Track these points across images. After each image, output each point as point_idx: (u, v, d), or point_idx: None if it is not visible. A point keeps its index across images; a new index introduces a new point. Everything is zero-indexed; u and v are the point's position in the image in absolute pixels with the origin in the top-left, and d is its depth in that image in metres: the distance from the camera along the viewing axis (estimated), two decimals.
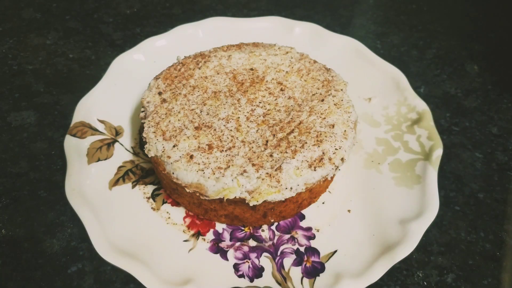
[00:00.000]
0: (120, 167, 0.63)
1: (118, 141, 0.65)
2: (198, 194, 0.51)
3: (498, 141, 0.73)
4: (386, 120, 0.70)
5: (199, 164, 0.51)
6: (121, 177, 0.61)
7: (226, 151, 0.52)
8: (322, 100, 0.59)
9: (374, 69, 0.76)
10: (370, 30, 0.98)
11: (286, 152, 0.51)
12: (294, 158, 0.51)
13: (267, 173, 0.50)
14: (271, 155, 0.51)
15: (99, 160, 0.62)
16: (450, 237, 0.58)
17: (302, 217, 0.58)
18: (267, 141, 0.53)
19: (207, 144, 0.53)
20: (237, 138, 0.54)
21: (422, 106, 0.69)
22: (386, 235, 0.54)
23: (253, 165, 0.50)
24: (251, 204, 0.49)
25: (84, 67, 0.83)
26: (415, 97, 0.70)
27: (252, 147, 0.53)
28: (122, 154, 0.64)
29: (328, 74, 0.64)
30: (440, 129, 0.73)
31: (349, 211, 0.59)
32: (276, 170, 0.50)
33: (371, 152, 0.66)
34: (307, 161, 0.51)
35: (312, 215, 0.59)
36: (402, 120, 0.69)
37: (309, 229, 0.57)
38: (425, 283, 0.53)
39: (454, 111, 0.78)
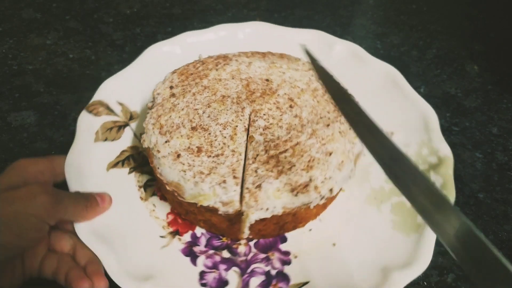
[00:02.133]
0: (123, 151, 0.63)
1: (129, 125, 0.66)
2: (176, 194, 0.51)
3: (498, 141, 0.73)
4: None
5: (183, 164, 0.50)
6: (121, 161, 0.61)
7: (213, 157, 0.51)
8: (328, 125, 0.55)
9: (407, 103, 0.69)
10: (370, 30, 0.98)
11: (272, 171, 0.50)
12: (277, 179, 0.49)
13: (247, 188, 0.48)
14: (255, 171, 0.50)
15: (106, 140, 0.62)
16: None
17: (284, 239, 0.56)
18: (257, 155, 0.52)
19: (197, 146, 0.52)
20: (228, 146, 0.52)
21: (445, 151, 0.62)
22: (363, 279, 0.50)
23: (234, 177, 0.49)
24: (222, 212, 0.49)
25: (84, 67, 0.83)
26: (441, 140, 0.63)
27: (240, 158, 0.51)
28: (129, 138, 0.65)
29: None
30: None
31: (334, 244, 0.55)
32: (256, 187, 0.48)
33: (377, 189, 0.61)
34: (291, 185, 0.49)
35: (294, 240, 0.56)
36: (420, 162, 0.62)
37: (287, 253, 0.54)
38: (425, 283, 0.53)
39: (454, 111, 0.78)
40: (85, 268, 0.48)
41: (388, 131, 0.66)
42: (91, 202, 0.51)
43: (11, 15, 0.95)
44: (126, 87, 0.69)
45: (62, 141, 0.66)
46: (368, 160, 0.63)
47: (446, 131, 0.73)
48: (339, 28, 0.97)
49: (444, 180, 0.57)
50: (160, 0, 1.03)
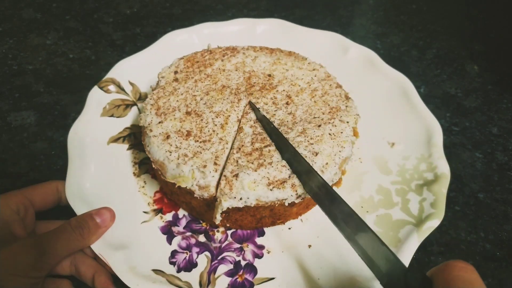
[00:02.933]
0: (126, 128, 0.66)
1: (137, 105, 0.69)
2: (160, 173, 0.53)
3: (498, 141, 0.73)
4: (399, 171, 0.63)
5: (171, 145, 0.52)
6: (123, 136, 0.64)
7: (200, 142, 0.53)
8: (319, 126, 0.55)
9: (413, 115, 0.68)
10: (370, 30, 0.98)
11: (252, 163, 0.50)
12: (256, 171, 0.49)
13: (225, 176, 0.50)
14: (237, 160, 0.51)
15: (112, 115, 0.66)
16: (450, 237, 0.58)
17: (262, 233, 0.56)
18: (242, 146, 0.53)
19: (187, 130, 0.54)
20: (217, 134, 0.54)
21: (443, 169, 0.60)
22: (328, 285, 0.50)
23: (215, 164, 0.51)
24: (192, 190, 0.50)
25: (84, 67, 0.83)
26: (441, 157, 0.61)
27: (226, 147, 0.53)
28: (134, 117, 0.67)
29: (343, 102, 0.60)
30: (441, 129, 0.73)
31: (309, 246, 0.55)
32: (233, 176, 0.49)
33: (366, 198, 0.60)
34: (268, 179, 0.49)
35: (272, 235, 0.56)
36: (416, 176, 0.61)
37: (261, 247, 0.55)
38: None
39: (454, 111, 0.78)
40: (94, 281, 0.48)
41: (390, 141, 0.66)
42: (88, 227, 0.48)
43: (11, 15, 0.95)
44: (140, 69, 0.72)
45: (62, 141, 0.66)
46: (363, 168, 0.63)
47: (446, 131, 0.73)
48: (339, 28, 0.97)
49: (436, 198, 0.56)
50: (160, 0, 1.03)
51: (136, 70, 0.71)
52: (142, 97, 0.70)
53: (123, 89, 0.69)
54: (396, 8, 1.06)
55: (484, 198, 0.63)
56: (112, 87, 0.68)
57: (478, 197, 0.64)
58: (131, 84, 0.70)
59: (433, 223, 0.53)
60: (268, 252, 0.54)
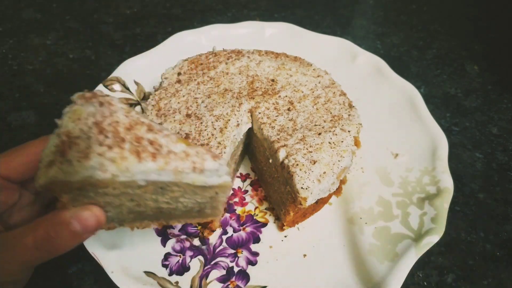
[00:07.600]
0: None
1: (141, 105, 0.69)
2: None
3: (498, 141, 0.73)
4: (401, 183, 0.61)
5: None
6: None
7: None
8: (320, 134, 0.55)
9: (420, 127, 0.67)
10: (370, 30, 0.98)
11: None
12: None
13: None
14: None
15: None
16: (450, 237, 0.58)
17: (257, 240, 0.56)
18: None
19: (186, 133, 0.54)
20: (215, 138, 0.53)
21: (446, 183, 0.58)
22: None
23: None
24: None
25: (84, 67, 0.83)
26: (445, 170, 0.60)
27: (224, 151, 0.52)
28: None
29: (346, 111, 0.59)
30: (441, 129, 0.73)
31: (304, 255, 0.54)
32: None
33: (365, 209, 0.59)
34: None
35: (267, 242, 0.56)
36: (418, 189, 0.60)
37: (255, 254, 0.54)
38: (425, 283, 0.53)
39: (454, 111, 0.78)
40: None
41: (393, 152, 0.65)
42: (59, 239, 0.35)
43: (11, 15, 0.95)
44: (146, 68, 0.72)
45: None
46: (364, 178, 0.63)
47: (446, 131, 0.73)
48: (339, 28, 0.97)
49: (437, 213, 0.55)
50: (160, 0, 1.03)
51: (142, 69, 0.72)
52: (146, 97, 0.70)
53: (127, 88, 0.69)
54: (396, 8, 1.06)
55: (484, 198, 0.63)
56: (117, 86, 0.68)
57: (478, 197, 0.64)
58: (136, 83, 0.70)
59: (433, 239, 0.52)
60: (263, 259, 0.54)
